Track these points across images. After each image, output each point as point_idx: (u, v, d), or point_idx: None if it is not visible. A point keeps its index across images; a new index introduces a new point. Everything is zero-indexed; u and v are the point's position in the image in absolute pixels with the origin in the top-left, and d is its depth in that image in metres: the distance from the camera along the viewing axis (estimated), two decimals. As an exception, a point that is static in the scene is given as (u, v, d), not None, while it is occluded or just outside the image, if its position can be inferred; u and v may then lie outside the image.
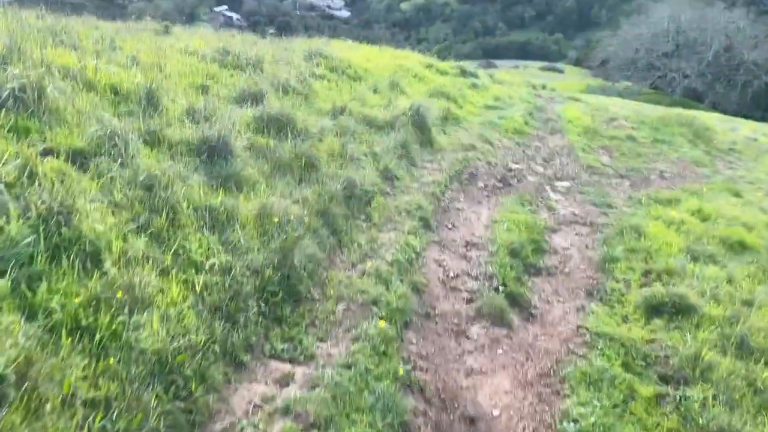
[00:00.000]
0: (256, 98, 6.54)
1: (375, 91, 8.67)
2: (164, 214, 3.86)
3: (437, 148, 7.66)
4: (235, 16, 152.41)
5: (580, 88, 44.47)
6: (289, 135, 5.90)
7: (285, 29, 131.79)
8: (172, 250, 3.68)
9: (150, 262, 3.45)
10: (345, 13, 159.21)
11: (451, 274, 5.12)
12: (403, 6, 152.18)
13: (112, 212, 3.61)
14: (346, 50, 11.12)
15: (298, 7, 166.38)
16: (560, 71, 60.35)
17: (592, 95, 32.56)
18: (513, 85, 14.89)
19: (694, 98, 45.35)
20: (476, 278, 5.13)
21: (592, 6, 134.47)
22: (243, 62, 7.56)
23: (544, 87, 17.23)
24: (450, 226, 6.00)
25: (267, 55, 8.43)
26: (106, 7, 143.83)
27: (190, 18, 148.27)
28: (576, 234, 6.39)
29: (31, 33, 5.93)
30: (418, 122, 7.51)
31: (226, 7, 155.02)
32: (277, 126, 5.99)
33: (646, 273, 5.47)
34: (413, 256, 5.14)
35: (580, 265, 5.63)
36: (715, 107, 38.18)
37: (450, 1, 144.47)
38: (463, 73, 13.12)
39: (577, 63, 67.66)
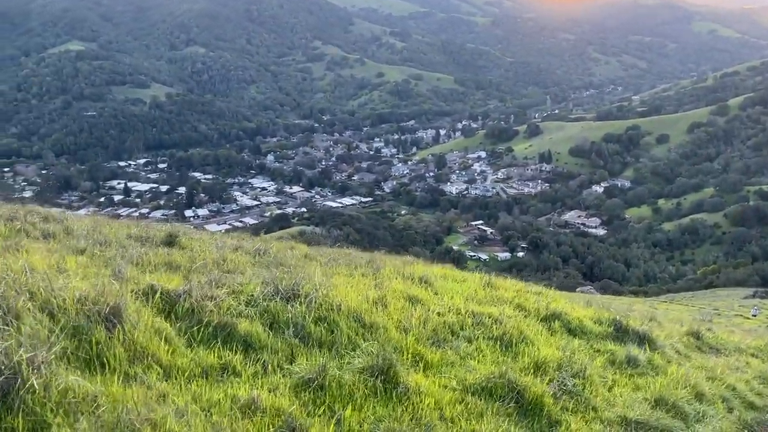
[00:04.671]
0: None
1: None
2: None
3: None
4: (489, 230, 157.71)
5: None
6: None
7: (537, 245, 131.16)
8: None
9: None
10: (600, 231, 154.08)
11: None
12: (666, 226, 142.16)
13: None
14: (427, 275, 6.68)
15: (552, 224, 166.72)
16: None
17: None
18: (726, 355, 8.58)
19: None
20: None
21: None
22: None
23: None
24: None
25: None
26: (377, 219, 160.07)
27: (447, 231, 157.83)
28: None
29: None
30: None
31: (481, 222, 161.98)
32: None
33: None
34: None
35: None
36: None
37: (721, 222, 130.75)
38: (620, 333, 7.58)
39: None
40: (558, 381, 5.40)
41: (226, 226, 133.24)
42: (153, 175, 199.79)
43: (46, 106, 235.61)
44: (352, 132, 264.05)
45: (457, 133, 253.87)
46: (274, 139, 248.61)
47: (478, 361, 5.47)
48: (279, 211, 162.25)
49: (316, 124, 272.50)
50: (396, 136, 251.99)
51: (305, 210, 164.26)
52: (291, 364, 4.44)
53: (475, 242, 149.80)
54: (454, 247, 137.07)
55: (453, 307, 6.51)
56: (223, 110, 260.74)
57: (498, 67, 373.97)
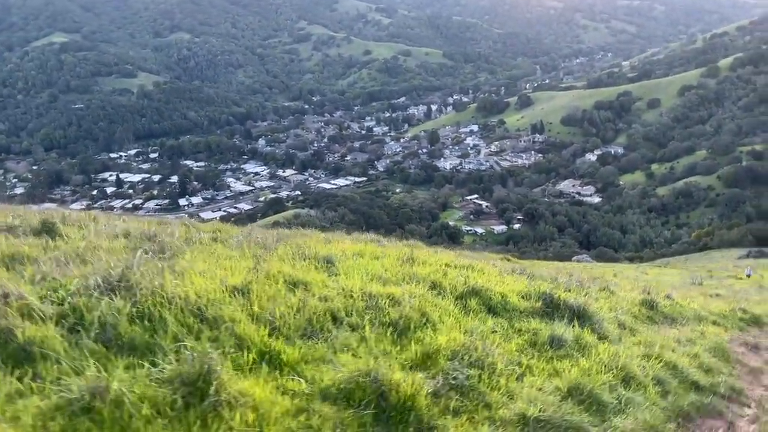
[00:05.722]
0: None
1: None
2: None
3: None
4: (484, 204, 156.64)
5: None
6: None
7: (532, 216, 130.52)
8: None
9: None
10: (595, 199, 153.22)
11: None
12: (660, 191, 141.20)
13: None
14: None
15: (546, 194, 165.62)
16: None
17: None
18: (682, 325, 7.67)
19: None
20: None
21: None
22: None
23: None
24: None
25: None
26: (372, 198, 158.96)
27: (443, 207, 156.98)
28: None
29: None
30: None
31: (476, 196, 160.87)
32: None
33: None
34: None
35: None
36: None
37: (715, 184, 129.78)
38: (550, 309, 6.64)
39: None
40: (446, 374, 4.48)
41: (221, 213, 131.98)
42: (145, 165, 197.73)
43: (32, 101, 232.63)
44: (342, 112, 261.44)
45: (449, 108, 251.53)
46: (265, 123, 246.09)
47: (353, 355, 4.54)
48: (273, 196, 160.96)
49: (306, 106, 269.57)
50: (387, 114, 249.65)
51: (299, 193, 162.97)
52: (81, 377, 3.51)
53: (471, 217, 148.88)
54: (450, 223, 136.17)
55: (345, 290, 5.57)
56: (212, 96, 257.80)
57: (486, 39, 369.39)
